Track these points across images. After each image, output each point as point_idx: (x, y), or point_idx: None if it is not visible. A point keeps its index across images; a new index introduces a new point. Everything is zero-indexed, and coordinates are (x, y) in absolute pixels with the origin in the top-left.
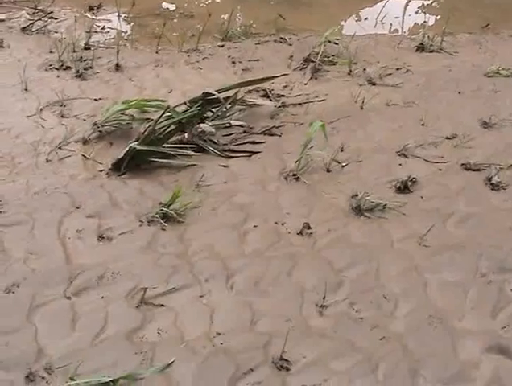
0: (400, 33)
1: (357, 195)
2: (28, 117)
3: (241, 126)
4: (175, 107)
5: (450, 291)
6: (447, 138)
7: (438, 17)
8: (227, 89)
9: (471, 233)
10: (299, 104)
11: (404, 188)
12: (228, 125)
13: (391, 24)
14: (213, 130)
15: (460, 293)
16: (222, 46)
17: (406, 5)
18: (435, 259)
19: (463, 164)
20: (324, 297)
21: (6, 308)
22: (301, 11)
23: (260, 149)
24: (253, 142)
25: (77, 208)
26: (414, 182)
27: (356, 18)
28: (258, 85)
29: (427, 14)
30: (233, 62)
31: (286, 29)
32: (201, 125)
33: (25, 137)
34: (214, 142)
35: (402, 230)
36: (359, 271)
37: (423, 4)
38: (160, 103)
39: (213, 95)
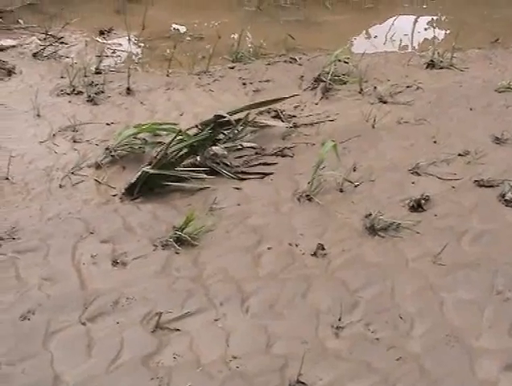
0: (410, 50)
1: (370, 215)
2: (41, 142)
3: (253, 148)
4: (187, 130)
5: (466, 310)
6: (459, 155)
7: (447, 32)
8: (238, 111)
9: (485, 250)
10: (311, 124)
11: (417, 206)
12: (240, 147)
13: (401, 41)
14: (225, 153)
15: (476, 311)
16: (233, 67)
17: (415, 21)
18: (450, 277)
19: (476, 181)
20: (339, 319)
21: (22, 335)
22: (311, 30)
23: (272, 171)
24: (266, 164)
25: (91, 233)
26: (427, 200)
27: (365, 36)
28: (269, 106)
29: (436, 30)
30: (244, 83)
31: (296, 49)
32: (213, 147)
33: (38, 163)
34: (227, 165)
35: (416, 249)
36: (374, 291)
37: (431, 20)
38: (172, 126)
39: (225, 117)
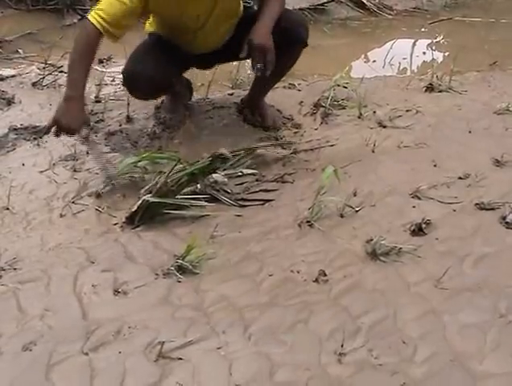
0: (409, 74)
1: (371, 240)
2: (41, 172)
3: (253, 175)
4: None
5: (469, 333)
6: (459, 178)
7: (445, 55)
8: (241, 150)
9: (488, 273)
10: (311, 149)
11: (419, 230)
12: (240, 174)
13: (400, 65)
14: (226, 180)
15: (479, 335)
16: (232, 94)
17: (414, 45)
18: (452, 301)
19: (477, 204)
20: (342, 345)
21: (24, 366)
22: (309, 55)
23: (273, 197)
24: (266, 190)
25: (92, 263)
26: (428, 224)
27: (364, 61)
28: (268, 132)
29: (435, 53)
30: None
31: (294, 74)
32: (213, 175)
33: (38, 193)
34: (227, 192)
35: (418, 273)
36: (376, 316)
37: (430, 43)
38: (172, 154)
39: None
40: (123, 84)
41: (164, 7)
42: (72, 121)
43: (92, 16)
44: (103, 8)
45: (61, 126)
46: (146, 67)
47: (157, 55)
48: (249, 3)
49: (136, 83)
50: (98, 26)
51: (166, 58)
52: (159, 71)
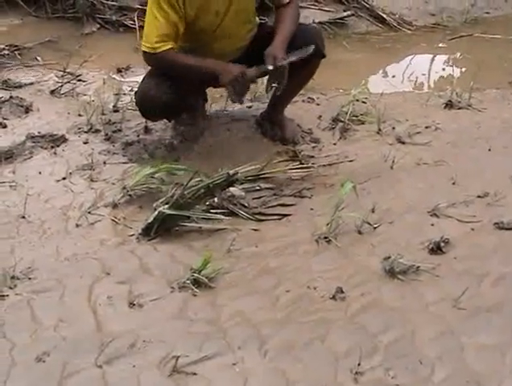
0: (428, 89)
1: (389, 257)
2: (57, 181)
3: (270, 189)
4: None
5: (487, 355)
6: (478, 197)
7: (465, 72)
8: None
9: (507, 294)
10: (329, 164)
11: (437, 249)
12: (258, 188)
13: (419, 80)
14: (243, 194)
15: (497, 356)
16: (250, 107)
17: (433, 60)
18: (471, 322)
19: (496, 223)
20: (358, 364)
21: (37, 377)
22: (329, 69)
23: (290, 212)
24: (284, 205)
25: (108, 274)
26: (446, 242)
27: (383, 76)
28: (286, 146)
29: (454, 70)
30: None
31: (314, 88)
32: (231, 188)
33: (54, 202)
34: (244, 206)
35: (436, 292)
36: (394, 335)
37: (449, 59)
38: (189, 166)
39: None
40: (136, 104)
41: (192, 2)
42: (235, 69)
43: (156, 47)
44: (159, 33)
45: (235, 79)
46: (158, 91)
47: (171, 77)
48: (263, 20)
49: (148, 107)
50: (167, 47)
51: (180, 79)
52: (172, 96)
